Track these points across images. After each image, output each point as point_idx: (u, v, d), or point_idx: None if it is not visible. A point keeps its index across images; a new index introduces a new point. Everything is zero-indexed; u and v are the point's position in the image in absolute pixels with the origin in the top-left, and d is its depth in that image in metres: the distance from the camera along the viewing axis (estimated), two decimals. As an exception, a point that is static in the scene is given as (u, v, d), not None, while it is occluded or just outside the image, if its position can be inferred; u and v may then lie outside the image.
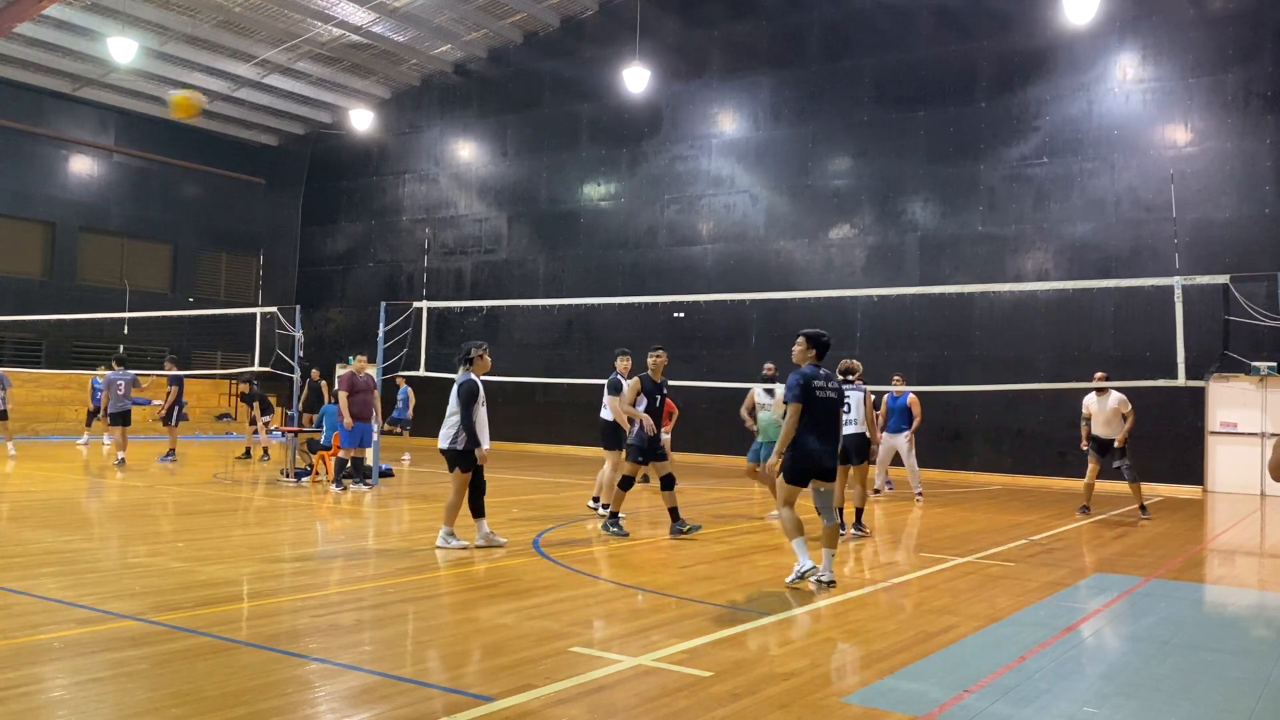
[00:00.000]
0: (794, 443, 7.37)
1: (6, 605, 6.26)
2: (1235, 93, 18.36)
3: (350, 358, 14.78)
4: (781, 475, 7.48)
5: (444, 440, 8.93)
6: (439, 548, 8.90)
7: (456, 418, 8.85)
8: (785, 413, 7.52)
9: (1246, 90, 18.27)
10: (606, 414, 11.52)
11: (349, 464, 14.17)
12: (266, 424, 19.12)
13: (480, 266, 27.07)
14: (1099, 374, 13.46)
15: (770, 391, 12.25)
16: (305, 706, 4.61)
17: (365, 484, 14.27)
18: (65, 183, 27.66)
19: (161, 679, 4.87)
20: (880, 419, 14.96)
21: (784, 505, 7.54)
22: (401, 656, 5.58)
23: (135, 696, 4.63)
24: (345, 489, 13.87)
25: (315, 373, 18.62)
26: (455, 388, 8.96)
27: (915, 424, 14.85)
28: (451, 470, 8.97)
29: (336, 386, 14.25)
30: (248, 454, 19.09)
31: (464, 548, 8.90)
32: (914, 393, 15.08)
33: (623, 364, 11.66)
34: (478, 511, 9.11)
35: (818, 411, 7.38)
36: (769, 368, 13.60)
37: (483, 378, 9.21)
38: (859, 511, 10.73)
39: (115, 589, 6.91)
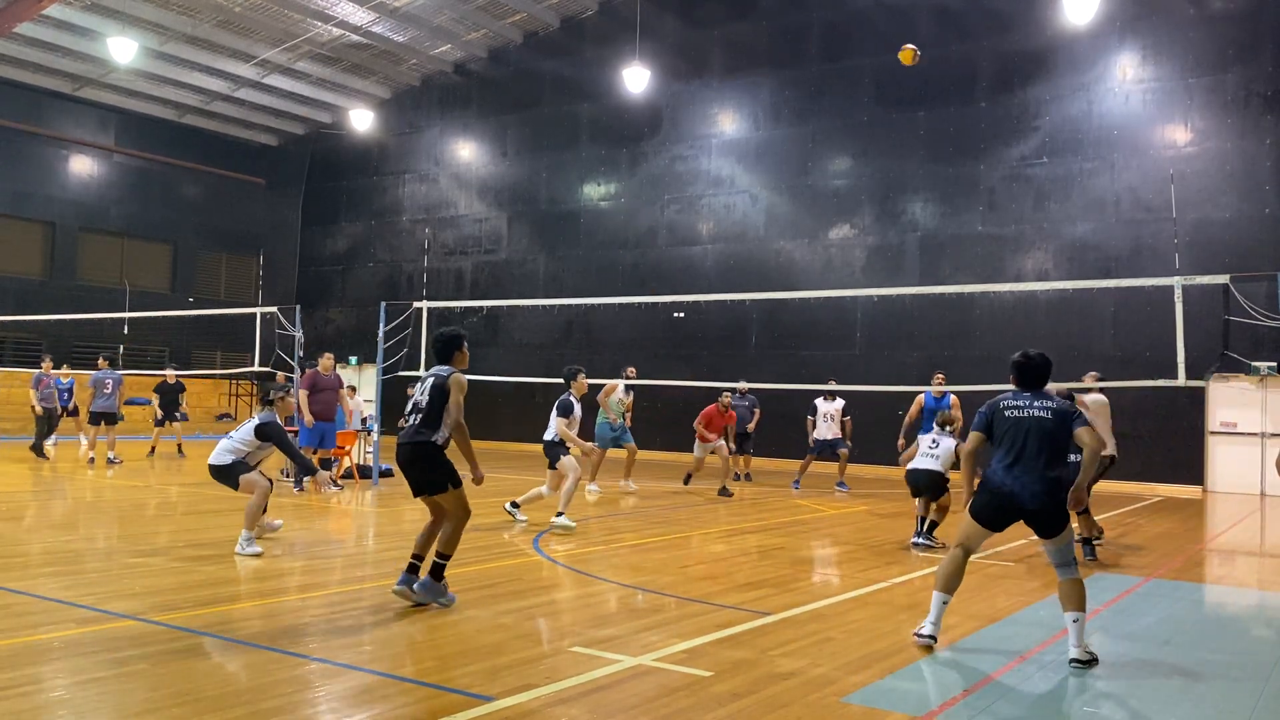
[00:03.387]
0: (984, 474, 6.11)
1: (6, 605, 6.26)
2: (1235, 93, 18.35)
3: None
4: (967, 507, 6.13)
5: (225, 459, 8.92)
6: (240, 554, 8.38)
7: (253, 448, 8.94)
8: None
9: (1246, 90, 18.26)
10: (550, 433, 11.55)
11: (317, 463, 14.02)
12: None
13: (480, 266, 27.06)
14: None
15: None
16: (305, 706, 4.61)
17: (335, 485, 13.95)
18: (65, 183, 27.65)
19: (161, 679, 4.87)
20: (911, 418, 14.71)
21: (956, 545, 6.11)
22: (401, 656, 5.58)
23: (135, 696, 4.62)
24: (342, 488, 13.92)
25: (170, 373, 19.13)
26: (263, 425, 8.90)
27: (958, 427, 13.55)
28: (236, 480, 8.86)
29: (298, 384, 14.05)
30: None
31: (259, 555, 8.39)
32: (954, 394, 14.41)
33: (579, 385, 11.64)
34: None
35: (1001, 431, 6.05)
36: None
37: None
38: (934, 524, 10.06)
39: (115, 589, 6.91)
